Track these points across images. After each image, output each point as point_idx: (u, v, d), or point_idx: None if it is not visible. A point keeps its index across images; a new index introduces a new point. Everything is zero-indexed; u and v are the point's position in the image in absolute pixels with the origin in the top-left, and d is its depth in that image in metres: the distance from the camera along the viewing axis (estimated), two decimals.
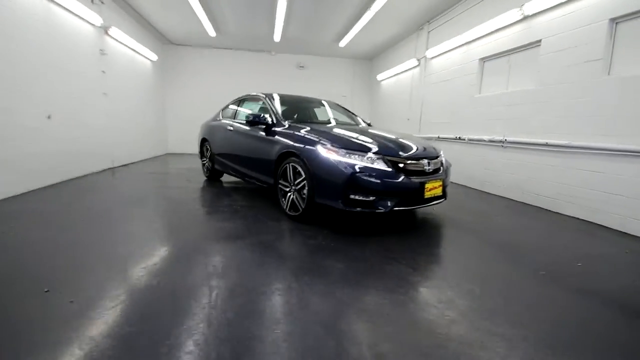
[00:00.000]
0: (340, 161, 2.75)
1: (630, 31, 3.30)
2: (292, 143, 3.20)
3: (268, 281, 1.94)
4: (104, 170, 5.80)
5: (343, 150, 2.81)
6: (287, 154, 3.24)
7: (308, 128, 3.31)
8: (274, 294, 1.80)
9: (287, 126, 3.54)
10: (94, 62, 5.47)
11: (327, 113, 4.49)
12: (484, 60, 5.43)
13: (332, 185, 2.75)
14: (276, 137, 3.49)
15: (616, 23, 3.39)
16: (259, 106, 4.25)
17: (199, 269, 2.05)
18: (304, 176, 2.99)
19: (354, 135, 3.16)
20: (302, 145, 3.05)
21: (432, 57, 6.87)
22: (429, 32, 7.06)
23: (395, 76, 8.85)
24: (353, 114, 4.77)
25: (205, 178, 5.50)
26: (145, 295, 1.72)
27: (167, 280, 1.90)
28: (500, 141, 4.89)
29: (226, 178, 5.57)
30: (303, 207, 3.04)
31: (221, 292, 1.78)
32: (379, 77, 9.81)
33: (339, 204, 2.73)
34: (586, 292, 1.98)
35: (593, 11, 3.56)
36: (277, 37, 8.14)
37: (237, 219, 3.22)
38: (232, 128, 4.44)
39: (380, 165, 2.76)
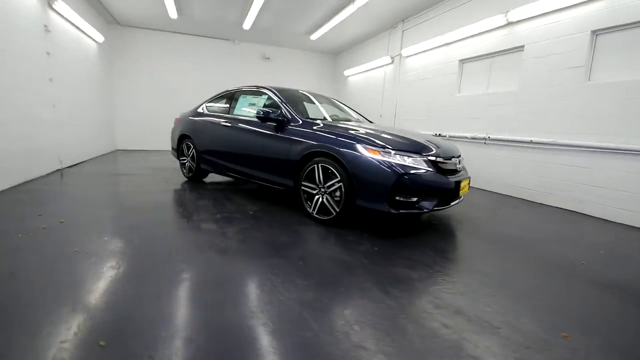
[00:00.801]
0: (385, 161, 2.64)
1: (608, 43, 3.76)
2: (321, 142, 2.97)
3: (368, 302, 1.76)
4: (52, 173, 4.80)
5: (388, 150, 2.70)
6: (315, 153, 3.01)
7: (339, 125, 3.12)
8: (397, 318, 1.62)
9: (301, 122, 3.30)
10: (38, 41, 4.43)
11: (331, 109, 4.31)
12: (463, 61, 5.75)
13: (378, 187, 2.63)
14: (294, 135, 3.23)
15: (596, 35, 3.84)
16: (261, 100, 3.88)
17: (289, 306, 1.77)
18: (339, 177, 2.81)
19: (387, 133, 3.05)
20: (337, 145, 2.85)
21: (408, 56, 7.08)
22: (403, 31, 7.24)
23: (365, 72, 8.95)
24: (354, 110, 4.66)
25: (185, 179, 4.92)
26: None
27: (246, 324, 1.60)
28: (483, 138, 5.25)
29: (210, 178, 5.05)
30: (338, 210, 2.87)
31: (348, 328, 1.55)
32: (346, 72, 9.83)
33: (385, 207, 2.63)
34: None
35: (576, 23, 3.98)
36: (247, 24, 7.59)
37: (260, 227, 2.90)
38: (228, 124, 4.00)
39: (424, 165, 2.72)
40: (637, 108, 3.49)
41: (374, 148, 2.71)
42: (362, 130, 3.05)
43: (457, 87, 5.90)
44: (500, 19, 4.83)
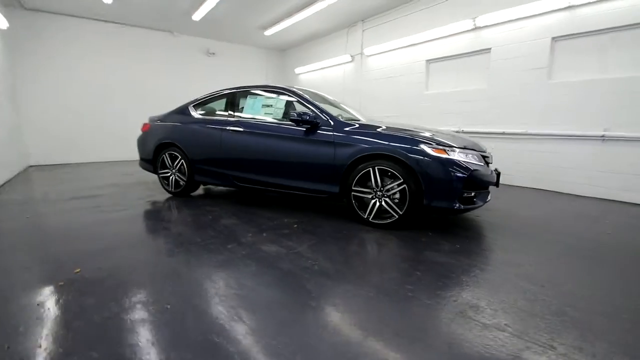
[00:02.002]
0: (454, 160, 2.67)
1: (565, 47, 4.52)
2: (378, 144, 2.82)
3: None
4: None
5: (454, 149, 2.72)
6: (369, 157, 2.86)
7: (383, 127, 3.00)
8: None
9: (336, 125, 3.11)
10: None
11: (334, 109, 4.14)
12: (430, 61, 6.21)
13: (450, 185, 2.64)
14: (337, 138, 3.00)
15: (555, 40, 4.57)
16: (279, 102, 3.48)
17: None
18: (401, 179, 2.74)
19: (428, 131, 3.07)
20: (399, 147, 2.76)
21: (371, 55, 7.30)
22: (363, 30, 7.43)
23: (321, 70, 8.91)
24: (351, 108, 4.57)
25: (168, 195, 4.13)
26: None
27: None
28: (456, 132, 5.78)
29: (198, 191, 4.36)
30: (401, 212, 2.79)
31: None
32: (298, 70, 9.63)
33: (455, 204, 2.67)
34: None
35: (539, 29, 4.66)
36: (199, 15, 6.74)
37: (325, 240, 2.63)
38: (237, 129, 3.49)
39: (479, 160, 2.85)
40: (589, 102, 4.30)
41: (439, 147, 2.71)
42: (410, 130, 3.01)
43: (424, 85, 6.34)
44: (468, 24, 5.35)
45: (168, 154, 4.01)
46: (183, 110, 4.05)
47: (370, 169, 2.86)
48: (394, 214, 2.82)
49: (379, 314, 1.61)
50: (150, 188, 4.64)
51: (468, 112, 5.65)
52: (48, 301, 1.68)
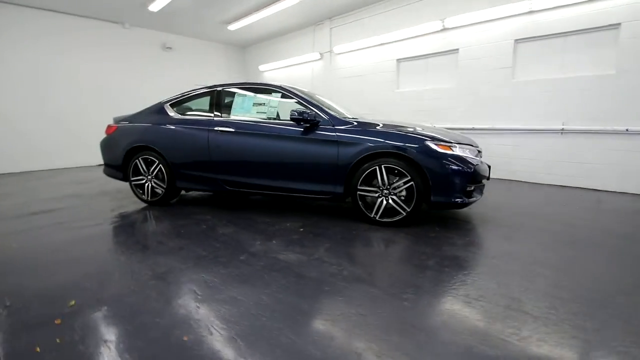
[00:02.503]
0: (458, 155, 2.74)
1: (526, 49, 4.93)
2: (384, 142, 2.79)
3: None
4: None
5: (454, 145, 2.80)
6: (374, 155, 2.82)
7: (380, 124, 2.99)
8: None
9: (335, 122, 3.03)
10: None
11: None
12: (400, 60, 6.39)
13: (456, 181, 2.71)
14: (340, 137, 2.92)
15: (518, 42, 4.96)
16: (272, 100, 3.29)
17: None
18: (409, 176, 2.75)
19: (419, 127, 3.12)
20: (406, 143, 2.76)
21: (341, 53, 7.30)
22: (331, 28, 7.41)
23: (288, 68, 8.72)
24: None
25: (142, 204, 3.70)
26: None
27: None
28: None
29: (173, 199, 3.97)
30: (409, 209, 2.80)
31: None
32: (262, 67, 9.32)
33: (461, 198, 2.75)
34: None
35: (503, 32, 5.02)
36: (156, 6, 6.14)
37: (343, 242, 2.54)
38: (227, 129, 3.23)
39: (475, 156, 2.97)
40: (549, 99, 4.75)
41: (444, 144, 2.77)
42: (409, 128, 3.03)
43: (395, 83, 6.52)
44: (437, 25, 5.59)
45: (142, 158, 3.59)
46: (158, 110, 3.65)
47: (377, 167, 2.83)
48: (402, 211, 2.83)
49: (451, 315, 1.58)
50: (117, 198, 4.13)
51: (438, 110, 5.92)
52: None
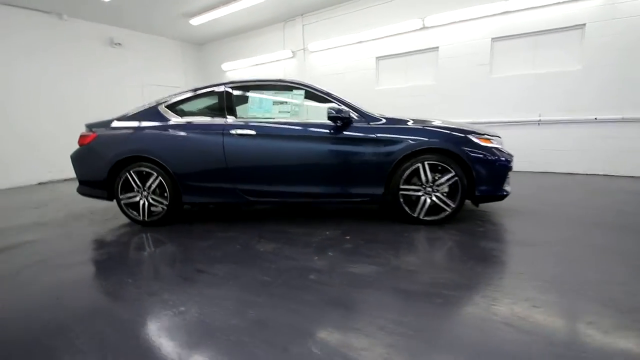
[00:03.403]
0: (497, 148, 2.76)
1: (502, 47, 5.28)
2: (428, 138, 2.69)
3: None
4: None
5: (493, 137, 2.81)
6: (419, 152, 2.71)
7: (409, 120, 2.89)
8: None
9: (370, 120, 2.87)
10: None
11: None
12: (380, 58, 6.42)
13: (499, 173, 2.73)
14: (377, 135, 2.76)
15: (494, 41, 5.29)
16: (295, 97, 2.97)
17: None
18: (453, 172, 2.69)
19: (439, 121, 3.09)
20: (450, 139, 2.69)
21: (316, 51, 7.11)
22: (304, 25, 7.17)
23: (256, 67, 8.24)
24: None
25: (133, 226, 3.10)
26: None
27: None
28: None
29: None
30: (454, 206, 2.75)
31: None
32: (226, 66, 8.69)
33: (503, 190, 2.77)
34: None
35: (480, 31, 5.31)
36: None
37: (412, 253, 2.37)
38: (250, 132, 2.83)
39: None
40: (524, 93, 5.16)
41: (485, 137, 2.77)
42: (436, 122, 2.99)
43: (375, 81, 6.54)
44: (417, 23, 5.72)
45: (135, 171, 3.00)
46: (152, 113, 3.08)
47: (420, 164, 2.72)
48: (447, 208, 2.77)
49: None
50: (96, 221, 3.42)
51: (419, 106, 6.07)
52: None
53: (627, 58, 4.43)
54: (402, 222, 2.91)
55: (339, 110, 2.69)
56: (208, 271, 2.12)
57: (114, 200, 3.17)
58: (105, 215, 3.63)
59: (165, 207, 3.03)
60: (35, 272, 2.22)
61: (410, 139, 2.73)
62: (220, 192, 2.98)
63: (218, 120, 2.95)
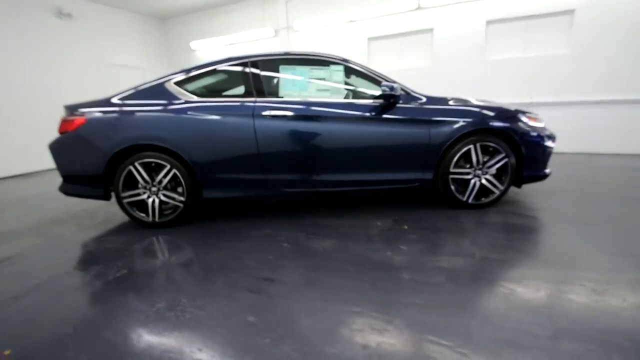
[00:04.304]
0: (544, 127, 2.70)
1: (496, 30, 5.33)
2: (479, 119, 2.53)
3: None
4: None
5: (539, 116, 2.74)
6: (472, 132, 2.54)
7: (449, 98, 2.72)
8: None
9: (416, 98, 2.65)
10: None
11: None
12: (371, 39, 6.18)
13: (546, 153, 2.68)
14: (428, 115, 2.55)
15: (489, 24, 5.32)
16: (334, 74, 2.60)
17: None
18: (504, 153, 2.59)
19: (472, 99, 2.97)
20: (503, 119, 2.56)
21: (302, 30, 6.64)
22: (287, 1, 6.64)
23: (231, 46, 7.52)
24: None
25: (139, 229, 2.57)
26: None
27: None
28: None
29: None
30: (502, 188, 2.66)
31: None
32: (195, 44, 7.84)
33: (547, 170, 2.74)
34: None
35: (475, 13, 5.30)
36: None
37: (491, 241, 2.22)
38: (286, 113, 2.43)
39: None
40: (517, 75, 5.30)
41: (533, 116, 2.69)
42: (472, 100, 2.84)
43: (367, 63, 6.30)
44: (412, 3, 5.55)
45: (141, 163, 2.45)
46: (158, 92, 2.52)
47: (472, 146, 2.58)
48: (495, 190, 2.67)
49: None
50: (84, 226, 2.80)
51: (414, 88, 5.99)
52: None
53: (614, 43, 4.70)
54: (447, 206, 2.77)
55: (392, 88, 2.41)
56: (275, 278, 1.77)
57: (111, 199, 2.61)
58: (93, 218, 2.99)
59: (181, 204, 2.54)
60: (29, 307, 1.67)
61: (463, 119, 2.56)
62: (251, 184, 2.56)
63: (246, 100, 2.51)
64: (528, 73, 5.22)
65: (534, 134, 2.63)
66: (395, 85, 2.44)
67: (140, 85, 2.58)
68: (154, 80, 2.59)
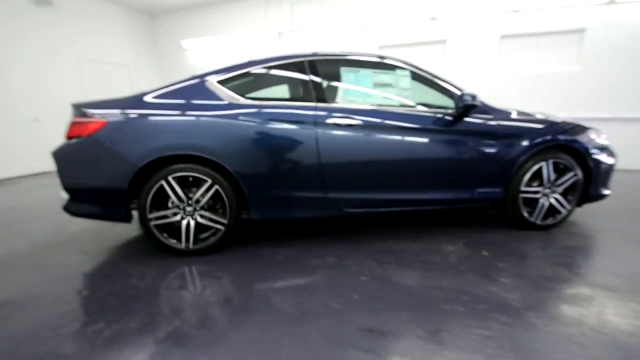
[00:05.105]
0: (607, 145, 2.58)
1: (508, 45, 5.36)
2: (554, 134, 2.37)
3: None
4: None
5: (602, 133, 2.63)
6: (547, 149, 2.37)
7: (514, 112, 2.55)
8: None
9: (482, 108, 2.43)
10: None
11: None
12: (382, 48, 6.01)
13: (607, 172, 2.55)
14: (500, 128, 2.34)
15: (502, 38, 5.34)
16: (400, 79, 2.31)
17: None
18: (573, 172, 2.43)
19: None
20: (575, 135, 2.42)
21: (308, 34, 6.34)
22: (293, 3, 6.33)
23: (229, 47, 7.05)
24: None
25: (167, 257, 2.10)
26: None
27: None
28: None
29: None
30: (570, 207, 2.50)
31: None
32: (187, 44, 7.28)
33: (604, 190, 2.61)
34: None
35: (489, 28, 5.30)
36: None
37: (596, 264, 2.01)
38: (356, 122, 2.10)
39: None
40: (526, 91, 5.34)
41: (598, 132, 2.56)
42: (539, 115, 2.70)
43: None
44: (426, 14, 5.46)
45: (175, 177, 2.01)
46: (198, 91, 2.09)
47: (544, 163, 2.39)
48: (562, 210, 2.50)
49: None
50: (91, 254, 2.26)
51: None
52: None
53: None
54: (513, 227, 2.56)
55: (474, 98, 2.17)
56: (382, 329, 1.41)
57: (132, 222, 2.12)
58: (98, 241, 2.45)
59: (222, 227, 2.11)
60: None
61: (538, 133, 2.38)
62: (308, 203, 2.19)
63: (306, 105, 2.15)
64: (537, 89, 5.28)
65: (601, 151, 2.51)
66: (476, 95, 2.20)
67: (176, 82, 2.14)
68: (190, 78, 2.16)
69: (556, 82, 5.18)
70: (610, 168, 2.58)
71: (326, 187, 2.16)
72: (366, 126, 2.16)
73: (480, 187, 2.38)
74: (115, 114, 2.00)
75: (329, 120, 2.11)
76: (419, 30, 5.71)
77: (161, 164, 2.02)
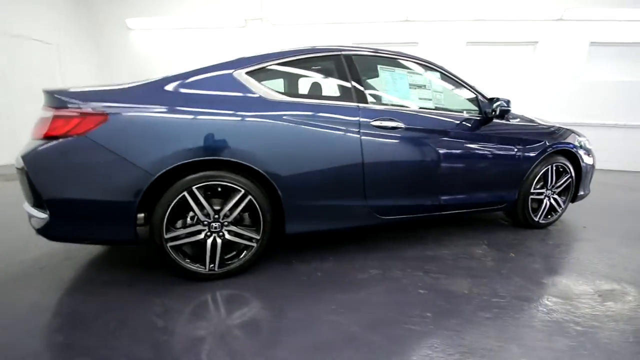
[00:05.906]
0: (591, 149, 2.89)
1: (474, 52, 5.74)
2: (560, 140, 2.58)
3: None
4: None
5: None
6: (554, 153, 2.56)
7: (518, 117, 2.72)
8: None
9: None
10: None
11: None
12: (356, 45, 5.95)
13: (591, 174, 2.87)
14: (517, 131, 2.48)
15: (468, 44, 5.69)
16: (432, 83, 2.22)
17: None
18: (569, 174, 2.68)
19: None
20: (574, 140, 2.68)
21: (280, 24, 5.96)
22: None
23: (182, 30, 6.28)
24: None
25: (184, 282, 1.72)
26: None
27: None
28: None
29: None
30: (563, 207, 2.75)
31: None
32: (132, 23, 6.30)
33: (587, 190, 2.94)
34: None
35: (456, 35, 5.61)
36: None
37: (622, 261, 2.17)
38: (399, 125, 1.96)
39: None
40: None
41: (580, 135, 2.85)
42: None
43: None
44: (400, 14, 5.55)
45: (199, 187, 1.64)
46: (226, 83, 1.74)
47: (550, 167, 2.58)
48: (558, 209, 2.75)
49: None
50: (72, 286, 1.75)
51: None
52: None
53: None
54: (518, 226, 2.75)
55: (508, 103, 2.21)
56: (470, 349, 1.33)
57: (139, 243, 1.69)
58: (85, 268, 1.92)
59: (254, 244, 1.81)
60: None
61: (548, 138, 2.57)
62: (345, 212, 2.00)
63: (348, 105, 1.94)
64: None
65: (589, 154, 2.81)
66: (510, 100, 2.26)
67: (194, 72, 1.74)
68: (212, 67, 1.79)
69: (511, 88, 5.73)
70: (592, 170, 2.90)
71: (367, 195, 2.01)
72: (411, 129, 2.05)
73: (503, 189, 2.48)
74: (120, 107, 1.55)
75: (375, 122, 1.95)
76: (393, 30, 5.80)
77: (180, 171, 1.63)
